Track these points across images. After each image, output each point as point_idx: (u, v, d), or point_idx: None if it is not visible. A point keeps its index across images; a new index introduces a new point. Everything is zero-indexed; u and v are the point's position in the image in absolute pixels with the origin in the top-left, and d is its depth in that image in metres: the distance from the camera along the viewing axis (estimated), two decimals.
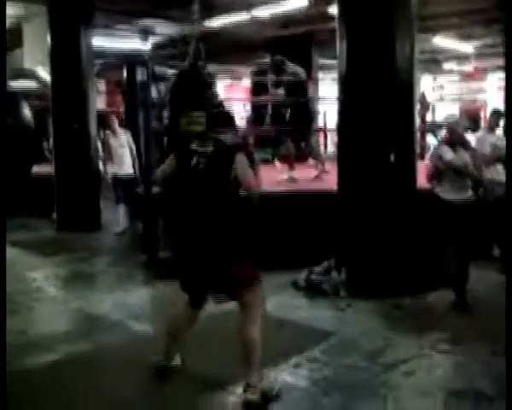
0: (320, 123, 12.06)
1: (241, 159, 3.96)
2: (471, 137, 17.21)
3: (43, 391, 4.27)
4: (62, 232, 10.19)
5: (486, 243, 7.54)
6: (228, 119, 4.29)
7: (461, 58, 18.95)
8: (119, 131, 9.91)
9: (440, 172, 5.88)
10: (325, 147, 13.25)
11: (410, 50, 6.17)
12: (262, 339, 3.95)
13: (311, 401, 4.04)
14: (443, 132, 17.27)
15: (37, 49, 11.42)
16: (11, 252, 8.38)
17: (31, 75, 12.82)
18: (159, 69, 9.59)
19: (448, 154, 5.76)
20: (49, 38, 10.41)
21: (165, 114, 8.92)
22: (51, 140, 11.19)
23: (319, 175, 8.94)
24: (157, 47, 15.26)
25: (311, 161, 10.21)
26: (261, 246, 6.43)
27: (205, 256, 3.97)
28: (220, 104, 7.43)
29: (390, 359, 4.63)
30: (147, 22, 13.69)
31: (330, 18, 10.52)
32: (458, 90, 23.37)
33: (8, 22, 11.99)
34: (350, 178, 6.51)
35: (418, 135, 9.47)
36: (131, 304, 6.27)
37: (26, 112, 10.96)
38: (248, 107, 17.44)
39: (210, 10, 11.25)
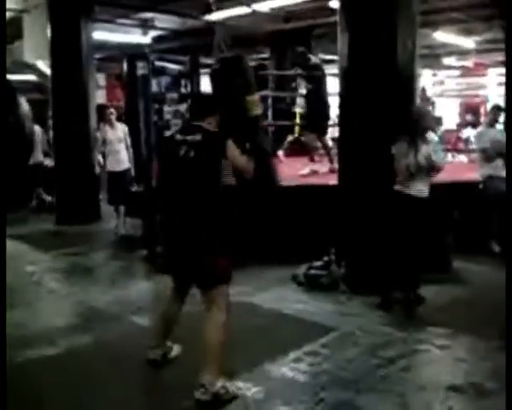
0: None
1: (231, 145, 3.97)
2: (472, 132, 17.29)
3: (42, 384, 4.30)
4: (62, 225, 10.20)
5: (485, 238, 7.57)
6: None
7: (461, 53, 18.92)
8: (117, 124, 9.51)
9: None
10: None
11: (411, 45, 6.16)
12: (260, 334, 3.98)
13: (310, 395, 4.05)
14: (442, 128, 17.31)
15: (37, 42, 11.40)
16: (10, 246, 8.40)
17: (30, 68, 12.81)
18: (159, 63, 9.62)
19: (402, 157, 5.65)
20: (49, 31, 10.40)
21: (166, 108, 8.95)
22: (51, 133, 11.20)
23: (333, 169, 8.85)
24: (157, 40, 15.23)
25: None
26: (261, 240, 6.50)
27: (186, 246, 3.99)
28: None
29: (389, 353, 4.64)
30: (147, 15, 13.67)
31: (331, 12, 10.53)
32: (458, 86, 23.35)
33: (7, 14, 11.98)
34: (351, 173, 6.51)
35: None
36: (132, 297, 6.28)
37: (25, 107, 10.93)
38: None
39: (210, 4, 11.21)
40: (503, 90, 14.14)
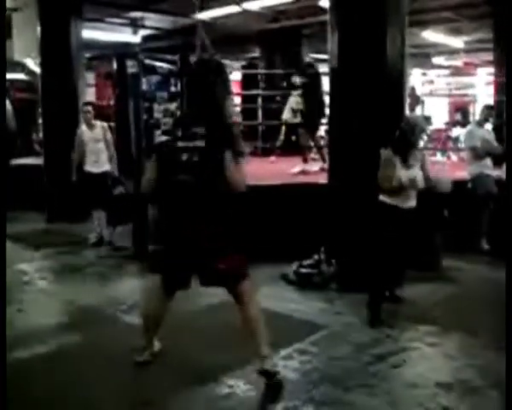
0: None
1: (229, 157, 3.96)
2: (461, 131, 17.34)
3: (31, 384, 4.27)
4: (53, 224, 10.16)
5: (475, 236, 7.61)
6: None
7: (450, 53, 19.01)
8: (96, 123, 8.84)
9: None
10: None
11: (400, 44, 6.18)
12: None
13: (300, 392, 4.05)
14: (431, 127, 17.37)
15: (27, 41, 11.37)
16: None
17: (20, 66, 12.78)
18: (149, 62, 9.58)
19: (400, 172, 5.56)
20: (38, 29, 10.37)
21: (156, 106, 8.91)
22: (41, 132, 11.17)
23: (324, 168, 8.88)
24: (147, 39, 15.23)
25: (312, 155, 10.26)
26: (250, 238, 6.48)
27: (196, 248, 4.00)
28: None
29: (379, 351, 4.67)
30: (137, 14, 13.66)
31: (321, 10, 10.56)
32: (448, 85, 23.44)
33: None
34: (340, 172, 6.52)
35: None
36: (121, 296, 6.26)
37: (6, 106, 10.85)
38: (238, 101, 17.47)
39: (200, 2, 11.21)
40: (491, 89, 14.21)
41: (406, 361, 4.52)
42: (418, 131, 5.52)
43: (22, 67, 12.78)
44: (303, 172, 8.95)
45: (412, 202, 5.49)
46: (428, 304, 5.81)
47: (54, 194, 10.47)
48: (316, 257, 6.65)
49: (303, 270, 6.56)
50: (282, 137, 10.84)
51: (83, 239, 8.84)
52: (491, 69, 14.71)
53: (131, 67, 8.17)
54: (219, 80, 4.15)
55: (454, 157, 13.74)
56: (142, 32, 15.06)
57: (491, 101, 12.12)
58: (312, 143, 9.85)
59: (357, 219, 6.23)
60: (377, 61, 6.15)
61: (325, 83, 7.34)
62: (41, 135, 11.30)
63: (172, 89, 9.47)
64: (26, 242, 8.84)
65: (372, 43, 6.17)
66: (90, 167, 8.67)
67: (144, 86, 8.67)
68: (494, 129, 8.77)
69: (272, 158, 10.95)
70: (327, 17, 6.66)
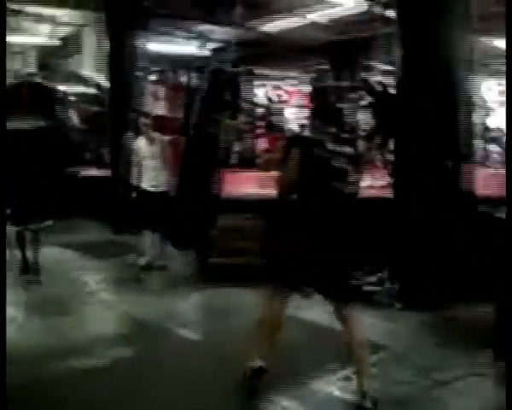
0: None
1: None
2: None
3: (84, 396, 4.24)
4: (117, 235, 10.23)
5: None
6: None
7: None
8: (154, 136, 8.10)
9: None
10: None
11: (469, 55, 5.98)
12: (309, 349, 3.90)
13: None
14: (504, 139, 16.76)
15: (96, 55, 11.60)
16: (64, 254, 8.54)
17: (89, 81, 13.03)
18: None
19: None
20: (106, 44, 10.55)
21: None
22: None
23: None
24: (215, 52, 15.29)
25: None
26: None
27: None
28: None
29: (443, 375, 4.44)
30: (205, 27, 13.73)
31: (388, 21, 10.34)
32: None
33: (68, 29, 12.27)
34: (406, 186, 6.32)
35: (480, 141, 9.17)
36: (181, 310, 6.23)
37: (67, 115, 11.00)
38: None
39: (265, 14, 11.18)
40: None
41: (470, 388, 4.27)
42: None
43: (91, 82, 13.02)
44: (370, 187, 8.70)
45: None
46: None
47: (119, 205, 10.54)
48: (379, 274, 6.44)
49: (365, 287, 6.36)
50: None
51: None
52: None
53: (198, 79, 8.24)
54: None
55: None
56: (210, 45, 15.11)
57: None
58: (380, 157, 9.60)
59: (423, 236, 6.01)
60: (445, 72, 5.95)
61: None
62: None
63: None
64: (91, 252, 8.92)
65: (440, 53, 5.99)
66: (148, 186, 7.93)
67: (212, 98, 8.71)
68: None
69: None
70: (393, 27, 6.50)
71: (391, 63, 6.88)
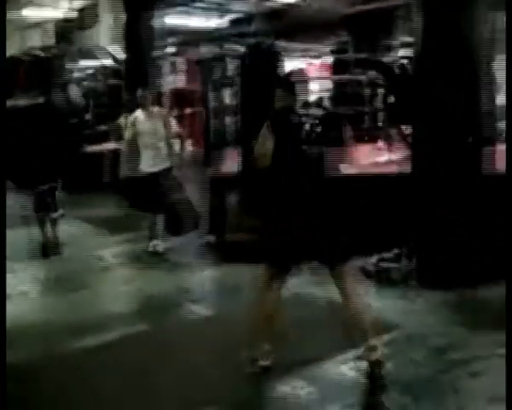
0: None
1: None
2: None
3: (99, 371, 4.24)
4: (133, 209, 10.16)
5: None
6: None
7: None
8: (154, 109, 7.49)
9: None
10: None
11: (491, 28, 5.78)
12: (319, 328, 3.81)
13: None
14: None
15: (113, 27, 11.49)
16: (80, 228, 8.54)
17: (106, 53, 12.93)
18: (233, 46, 9.46)
19: None
20: (123, 16, 10.44)
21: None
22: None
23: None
24: (234, 23, 15.11)
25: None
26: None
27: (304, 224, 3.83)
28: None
29: (457, 356, 4.33)
30: None
31: None
32: None
33: (85, 1, 12.16)
34: (424, 163, 6.17)
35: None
36: (194, 286, 6.20)
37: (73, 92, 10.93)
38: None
39: None
40: None
41: (486, 370, 4.14)
42: None
43: (108, 54, 12.91)
44: (389, 162, 8.55)
45: None
46: None
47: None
48: (396, 251, 6.33)
49: (382, 264, 6.26)
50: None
51: None
52: None
53: (215, 52, 8.11)
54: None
55: None
56: (228, 17, 14.93)
57: None
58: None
59: (441, 213, 5.88)
60: (465, 46, 5.77)
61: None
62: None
63: None
64: (106, 226, 8.89)
65: (460, 27, 5.80)
66: (147, 166, 7.32)
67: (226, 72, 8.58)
68: None
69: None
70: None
71: (411, 35, 6.67)
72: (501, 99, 5.76)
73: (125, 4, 10.42)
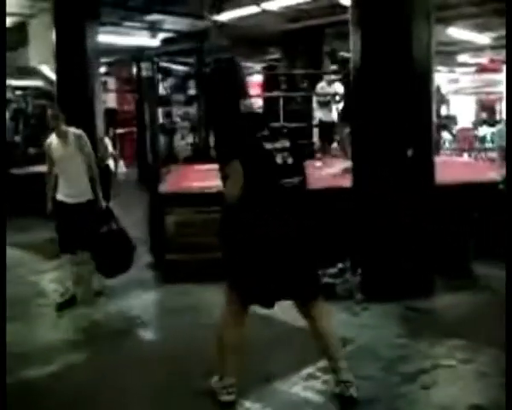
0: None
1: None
2: (488, 131, 16.87)
3: (40, 404, 4.08)
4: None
5: (507, 241, 7.24)
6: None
7: (476, 50, 18.55)
8: (69, 132, 6.24)
9: None
10: None
11: (427, 40, 5.88)
12: (271, 348, 3.75)
13: None
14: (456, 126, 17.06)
15: (43, 47, 11.20)
16: (12, 254, 8.19)
17: (36, 73, 12.63)
18: (165, 65, 9.37)
19: None
20: (54, 35, 10.18)
21: (175, 110, 8.71)
22: None
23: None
24: (165, 43, 15.04)
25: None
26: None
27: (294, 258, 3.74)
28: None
29: (409, 368, 4.34)
30: (155, 18, 13.46)
31: (342, 9, 10.26)
32: (473, 83, 22.97)
33: (13, 19, 11.84)
34: (365, 175, 6.22)
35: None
36: (137, 310, 6.03)
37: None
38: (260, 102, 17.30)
39: (219, 3, 11.00)
40: None
41: (437, 380, 4.18)
42: None
43: (39, 74, 12.61)
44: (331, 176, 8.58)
45: None
46: (459, 315, 5.46)
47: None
48: (340, 266, 6.34)
49: (326, 279, 6.25)
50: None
51: None
52: None
53: (147, 70, 8.00)
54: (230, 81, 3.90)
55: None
56: (161, 36, 14.85)
57: None
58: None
59: (383, 226, 5.93)
60: (403, 59, 5.86)
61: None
62: None
63: (190, 91, 9.28)
64: (38, 251, 8.59)
65: (397, 41, 5.89)
66: (62, 196, 6.19)
67: (161, 90, 8.46)
68: None
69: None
70: (348, 15, 6.38)
71: (347, 51, 6.74)
72: (441, 111, 5.88)
73: (56, 23, 10.15)
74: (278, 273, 3.68)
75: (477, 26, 14.74)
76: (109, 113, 11.47)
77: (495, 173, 7.64)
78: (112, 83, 19.71)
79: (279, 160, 3.71)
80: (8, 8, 8.98)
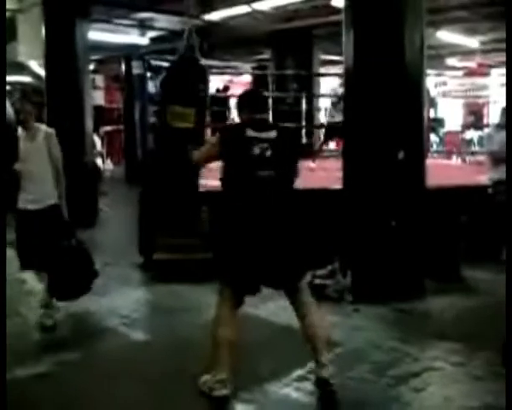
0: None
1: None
2: (475, 134, 16.96)
3: (29, 404, 4.00)
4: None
5: (496, 244, 7.28)
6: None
7: (465, 53, 18.63)
8: (39, 128, 5.33)
9: None
10: None
11: (419, 43, 5.90)
12: (262, 349, 3.73)
13: None
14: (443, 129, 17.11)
15: (32, 43, 11.13)
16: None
17: (25, 69, 12.54)
18: (156, 63, 9.32)
19: None
20: (43, 32, 10.11)
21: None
22: None
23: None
24: (155, 41, 14.98)
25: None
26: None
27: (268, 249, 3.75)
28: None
29: (400, 371, 4.34)
30: (145, 15, 13.40)
31: (333, 10, 10.27)
32: (461, 87, 23.08)
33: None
34: (356, 177, 6.23)
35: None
36: (125, 308, 5.98)
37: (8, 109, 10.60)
38: None
39: (210, 3, 10.96)
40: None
41: (428, 383, 4.19)
42: None
43: (27, 70, 12.53)
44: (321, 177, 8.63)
45: None
46: (449, 318, 5.50)
47: None
48: (330, 267, 6.33)
49: (317, 281, 6.24)
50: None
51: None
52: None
53: (137, 68, 7.96)
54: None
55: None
56: (151, 34, 14.79)
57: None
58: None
59: (373, 228, 5.94)
60: (395, 62, 5.88)
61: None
62: None
63: None
64: None
65: (389, 43, 5.91)
66: (24, 202, 5.26)
67: (151, 89, 8.42)
68: None
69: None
70: (340, 17, 6.39)
71: (335, 53, 6.75)
72: (431, 114, 5.91)
73: (45, 19, 10.09)
74: (256, 261, 3.74)
75: (466, 29, 14.81)
76: (97, 110, 11.36)
77: (484, 177, 7.68)
78: (100, 80, 19.63)
79: (257, 150, 3.71)
80: None
